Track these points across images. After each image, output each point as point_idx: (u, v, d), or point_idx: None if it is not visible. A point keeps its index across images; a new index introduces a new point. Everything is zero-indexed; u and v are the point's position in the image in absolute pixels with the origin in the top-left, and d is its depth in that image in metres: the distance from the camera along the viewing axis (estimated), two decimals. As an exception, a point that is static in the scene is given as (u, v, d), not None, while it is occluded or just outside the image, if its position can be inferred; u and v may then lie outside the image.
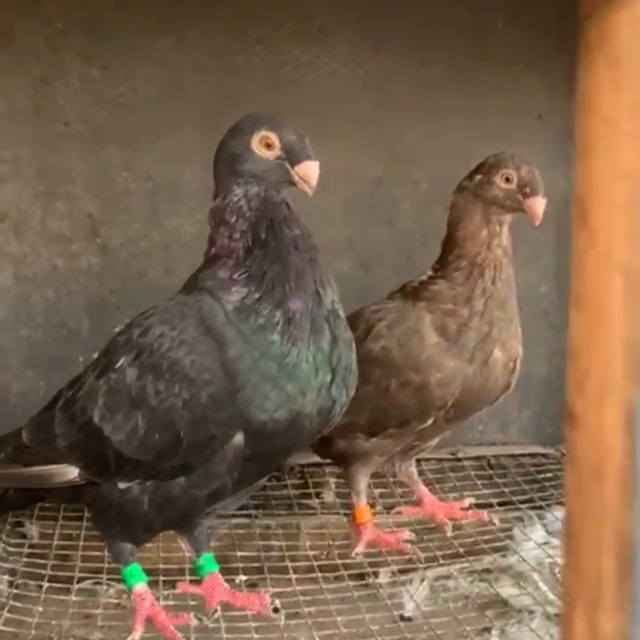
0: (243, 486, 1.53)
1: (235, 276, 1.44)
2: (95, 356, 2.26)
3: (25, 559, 1.79)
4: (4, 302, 2.26)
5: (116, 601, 1.71)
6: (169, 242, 2.30)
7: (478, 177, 1.81)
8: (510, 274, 1.82)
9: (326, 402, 1.44)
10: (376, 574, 1.84)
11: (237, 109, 2.29)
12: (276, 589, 1.70)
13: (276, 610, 1.57)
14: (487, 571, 1.88)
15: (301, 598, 1.68)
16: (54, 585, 1.71)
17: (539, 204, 1.74)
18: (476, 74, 2.38)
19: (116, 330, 2.26)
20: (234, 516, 1.96)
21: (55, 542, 1.86)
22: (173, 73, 2.28)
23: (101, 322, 2.28)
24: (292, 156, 1.45)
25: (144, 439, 1.43)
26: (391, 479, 2.15)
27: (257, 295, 1.41)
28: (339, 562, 1.84)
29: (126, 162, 2.28)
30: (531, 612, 1.73)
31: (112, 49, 2.25)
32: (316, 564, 1.84)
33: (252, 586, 1.78)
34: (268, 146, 1.46)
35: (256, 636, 1.54)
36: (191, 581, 1.67)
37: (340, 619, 1.61)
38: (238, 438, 1.41)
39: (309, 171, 1.45)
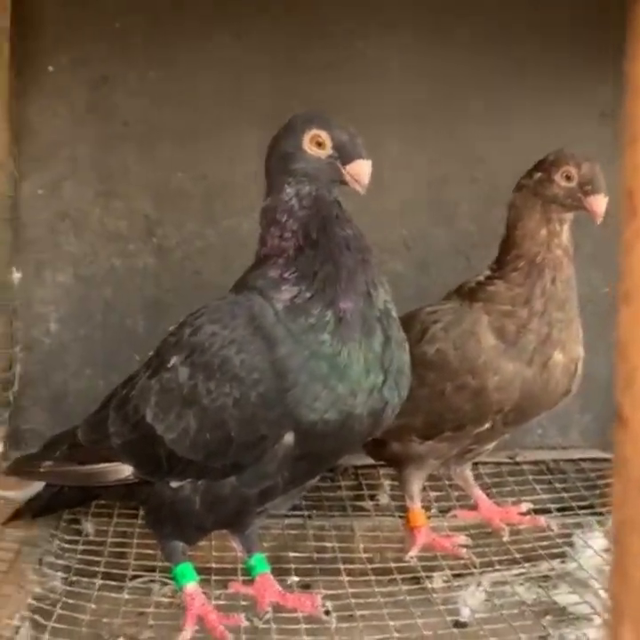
0: (293, 486, 1.52)
1: (285, 276, 1.42)
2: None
3: (79, 556, 1.80)
4: (64, 302, 2.29)
5: (169, 600, 1.71)
6: (225, 241, 2.30)
7: (538, 175, 1.77)
8: (571, 274, 1.77)
9: (378, 403, 1.42)
10: (430, 578, 1.81)
11: (297, 107, 2.28)
12: (329, 591, 1.68)
13: (327, 612, 1.56)
14: (545, 577, 1.84)
15: (354, 601, 1.66)
16: (108, 582, 1.71)
17: (600, 202, 1.69)
18: (540, 70, 2.32)
19: (171, 329, 2.30)
20: (287, 516, 1.95)
21: (110, 539, 1.87)
22: (231, 71, 2.28)
23: (157, 321, 2.30)
24: (344, 154, 1.43)
25: (195, 438, 1.43)
26: (447, 482, 2.11)
27: (308, 294, 1.40)
28: (392, 565, 1.82)
29: (183, 161, 2.29)
30: (590, 621, 1.68)
31: (170, 48, 2.26)
32: (369, 566, 1.82)
33: (304, 587, 1.77)
34: (320, 145, 1.44)
35: (306, 638, 1.52)
36: (243, 581, 1.66)
37: (392, 623, 1.59)
38: (288, 438, 1.40)
39: (361, 170, 1.43)
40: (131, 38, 2.24)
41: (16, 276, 2.24)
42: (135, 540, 1.86)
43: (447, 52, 2.32)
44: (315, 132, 1.44)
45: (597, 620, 1.65)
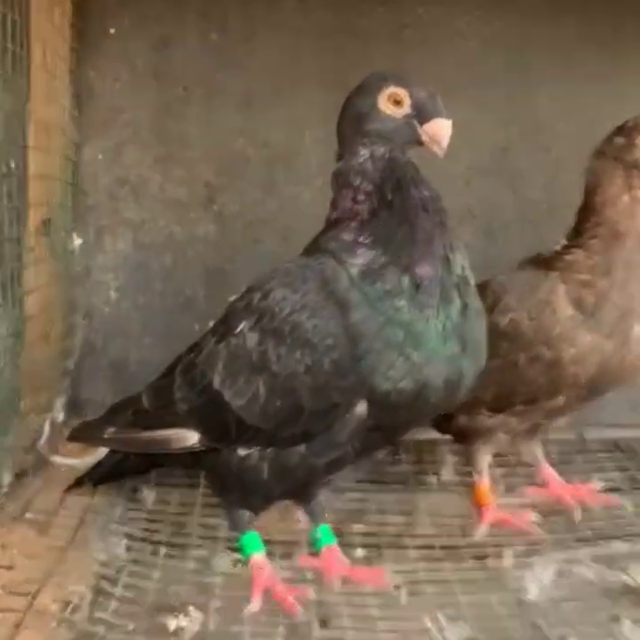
0: (363, 457, 1.48)
1: (360, 239, 1.37)
2: (211, 323, 2.26)
3: (142, 524, 1.78)
4: (123, 269, 2.27)
5: (230, 569, 1.68)
6: (286, 209, 2.26)
7: (619, 140, 1.69)
8: (653, 242, 1.70)
9: (454, 374, 1.36)
10: (499, 555, 1.75)
11: (359, 73, 2.22)
12: (396, 566, 1.63)
13: (396, 587, 1.51)
14: (617, 557, 1.77)
15: (422, 576, 1.61)
16: (171, 551, 1.69)
17: None
18: (610, 36, 2.24)
19: (231, 298, 2.27)
20: (349, 489, 1.91)
21: (171, 509, 1.85)
22: (293, 36, 2.23)
23: (217, 289, 2.27)
24: (423, 113, 1.38)
25: (265, 406, 1.39)
26: (514, 459, 2.05)
27: (383, 259, 1.35)
28: (460, 541, 1.77)
29: (244, 127, 2.25)
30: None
31: (231, 11, 2.21)
32: (436, 542, 1.77)
33: (368, 561, 1.73)
34: (397, 103, 1.39)
35: (377, 612, 1.48)
36: (310, 554, 1.63)
37: (463, 599, 1.54)
38: (361, 407, 1.35)
39: (441, 129, 1.38)
40: (192, 1, 2.20)
41: (77, 242, 2.22)
42: (197, 510, 1.83)
43: (517, 19, 2.25)
44: (392, 89, 1.39)
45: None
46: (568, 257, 1.72)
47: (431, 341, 1.33)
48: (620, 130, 1.72)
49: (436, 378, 1.35)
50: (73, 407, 2.22)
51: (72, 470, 1.93)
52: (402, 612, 1.49)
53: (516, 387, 1.73)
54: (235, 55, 2.22)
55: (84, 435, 1.80)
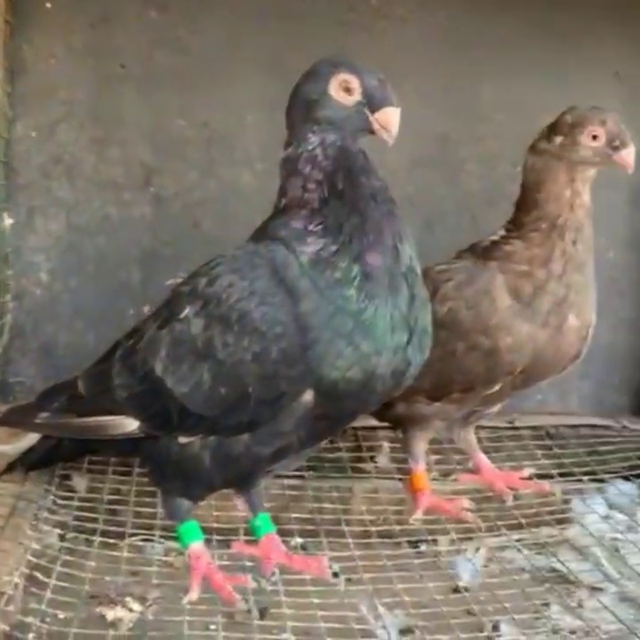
0: (307, 446, 1.47)
1: (310, 228, 1.36)
2: (146, 309, 2.22)
3: (75, 513, 1.74)
4: (55, 251, 2.21)
5: (167, 559, 1.67)
6: (225, 192, 2.23)
7: (559, 139, 1.71)
8: (590, 235, 1.73)
9: (401, 363, 1.37)
10: (435, 542, 1.78)
11: (301, 56, 2.19)
12: (334, 553, 1.64)
13: (335, 574, 1.52)
14: (547, 543, 1.82)
15: (360, 563, 1.63)
16: (105, 540, 1.66)
17: (631, 154, 1.65)
18: (551, 28, 2.27)
19: (168, 283, 2.23)
20: (286, 476, 1.90)
21: (105, 496, 1.82)
22: (235, 16, 2.19)
23: (153, 274, 2.23)
24: (374, 101, 1.37)
25: (210, 393, 1.37)
26: (447, 445, 2.08)
27: (334, 248, 1.34)
28: (396, 527, 1.79)
29: (183, 108, 2.20)
30: (590, 588, 1.67)
31: (171, -12, 2.16)
32: (373, 528, 1.78)
33: (307, 549, 1.73)
34: (348, 90, 1.37)
35: (316, 600, 1.48)
36: (247, 542, 1.62)
37: (400, 586, 1.56)
38: (308, 396, 1.35)
39: (391, 118, 1.37)
40: (131, -25, 2.15)
41: (7, 222, 2.15)
42: (131, 498, 1.80)
43: (460, 9, 2.25)
44: (343, 76, 1.37)
45: (610, 590, 1.64)
46: (507, 247, 1.74)
47: (380, 331, 1.33)
48: (559, 127, 1.73)
49: (383, 367, 1.35)
50: (0, 391, 2.16)
51: (2, 456, 1.88)
52: (340, 599, 1.50)
53: (453, 375, 1.75)
54: (175, 34, 2.18)
55: (14, 419, 1.75)
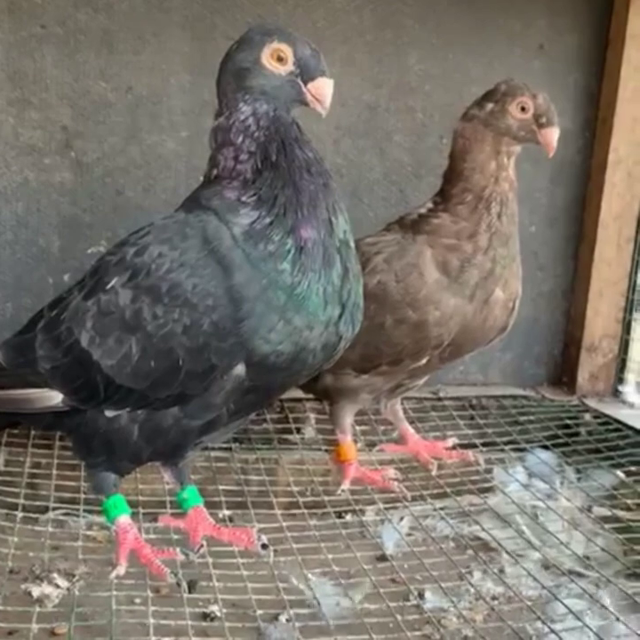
0: (236, 419, 1.46)
1: (243, 199, 1.33)
2: (66, 277, 2.16)
3: (-5, 486, 1.70)
4: (-30, 216, 2.13)
5: (90, 533, 1.64)
6: (149, 159, 2.17)
7: (490, 105, 1.72)
8: (515, 209, 1.76)
9: (332, 337, 1.36)
10: (362, 512, 1.79)
11: (229, 21, 2.16)
12: (262, 525, 1.64)
13: (264, 546, 1.52)
14: (470, 511, 1.86)
15: (288, 534, 1.63)
16: (27, 515, 1.62)
17: (554, 134, 1.68)
18: (479, 4, 2.27)
19: (90, 251, 2.17)
20: (212, 448, 1.89)
21: (26, 470, 1.77)
22: (157, -25, 2.12)
23: (73, 241, 2.16)
24: (307, 71, 1.35)
25: (138, 366, 1.34)
26: (373, 417, 2.09)
27: (268, 220, 1.32)
28: (324, 498, 1.79)
29: (105, 70, 2.13)
30: (512, 556, 1.71)
31: (91, -57, 2.08)
32: (300, 499, 1.79)
33: (234, 521, 1.73)
34: (280, 60, 1.35)
35: (245, 572, 1.48)
36: (173, 515, 1.60)
37: (329, 556, 1.57)
38: (239, 369, 1.33)
39: (324, 89, 1.35)
40: None
41: None
42: (54, 472, 1.77)
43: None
44: (276, 45, 1.34)
45: (530, 557, 1.68)
46: (435, 221, 1.75)
47: (312, 305, 1.32)
48: (491, 95, 1.75)
49: (315, 341, 1.34)
50: None
51: None
52: (269, 571, 1.50)
53: (382, 348, 1.75)
54: (96, -8, 2.10)
55: None
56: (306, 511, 1.74)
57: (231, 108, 1.37)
